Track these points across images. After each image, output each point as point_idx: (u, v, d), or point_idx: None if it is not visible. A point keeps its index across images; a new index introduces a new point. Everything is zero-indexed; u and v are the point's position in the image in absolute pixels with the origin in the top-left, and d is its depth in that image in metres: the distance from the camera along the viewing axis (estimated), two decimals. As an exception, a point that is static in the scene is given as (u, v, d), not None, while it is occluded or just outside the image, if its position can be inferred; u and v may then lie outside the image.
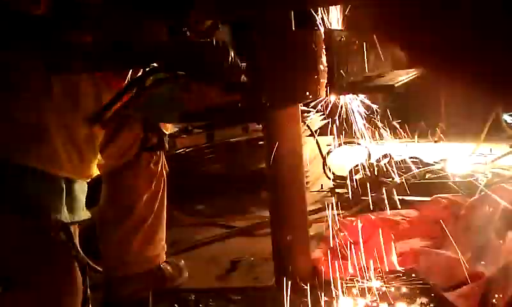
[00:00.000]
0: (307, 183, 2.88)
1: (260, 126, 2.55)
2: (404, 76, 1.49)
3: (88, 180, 1.31)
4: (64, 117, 1.18)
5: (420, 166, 2.79)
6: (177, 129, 3.31)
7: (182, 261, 1.95)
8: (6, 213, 1.15)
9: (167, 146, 1.85)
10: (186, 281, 1.90)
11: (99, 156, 1.37)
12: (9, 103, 1.15)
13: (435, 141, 3.83)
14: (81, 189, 1.27)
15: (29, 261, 1.17)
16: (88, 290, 1.25)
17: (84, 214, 1.27)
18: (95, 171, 1.33)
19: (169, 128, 1.84)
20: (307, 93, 1.25)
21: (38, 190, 1.17)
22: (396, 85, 1.27)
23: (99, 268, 1.83)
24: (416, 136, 4.03)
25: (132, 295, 1.77)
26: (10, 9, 0.93)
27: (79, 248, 1.23)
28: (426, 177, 2.69)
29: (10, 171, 1.14)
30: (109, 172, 1.72)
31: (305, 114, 3.35)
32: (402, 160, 2.92)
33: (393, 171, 2.73)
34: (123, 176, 1.74)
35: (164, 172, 1.83)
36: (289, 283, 1.61)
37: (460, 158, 3.13)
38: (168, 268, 1.87)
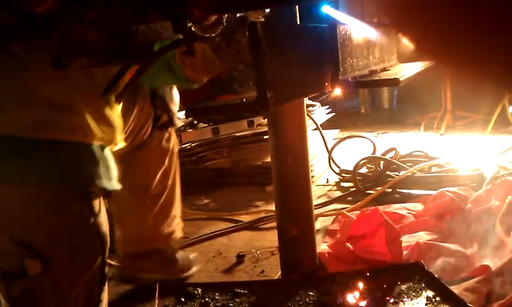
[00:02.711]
0: (312, 177, 2.88)
1: (265, 120, 2.55)
2: (409, 69, 1.48)
3: (116, 147, 1.34)
4: (83, 88, 1.21)
5: (426, 159, 2.79)
6: (183, 123, 3.32)
7: (193, 255, 1.99)
8: (41, 183, 1.16)
9: (177, 122, 1.88)
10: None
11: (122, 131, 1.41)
12: (30, 81, 1.17)
13: (441, 134, 3.83)
14: (112, 158, 1.30)
15: (62, 236, 1.19)
16: (106, 267, 1.27)
17: (117, 185, 1.31)
18: (121, 139, 1.36)
19: (176, 104, 1.85)
20: (312, 88, 1.25)
21: (75, 158, 1.20)
22: (401, 79, 1.26)
23: (112, 262, 1.87)
24: (422, 128, 4.03)
25: (145, 271, 1.81)
26: (14, 5, 0.93)
27: (100, 224, 1.24)
28: (432, 170, 2.68)
29: (42, 145, 1.16)
30: (123, 153, 1.75)
31: (310, 108, 3.36)
32: (407, 154, 2.92)
33: (399, 165, 2.73)
34: (136, 156, 1.76)
35: (176, 149, 1.86)
36: (295, 276, 1.61)
37: (466, 151, 3.13)
38: (180, 259, 1.90)
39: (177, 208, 1.89)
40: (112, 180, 1.26)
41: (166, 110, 1.79)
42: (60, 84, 1.17)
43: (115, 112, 1.32)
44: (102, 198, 1.29)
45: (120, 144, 1.39)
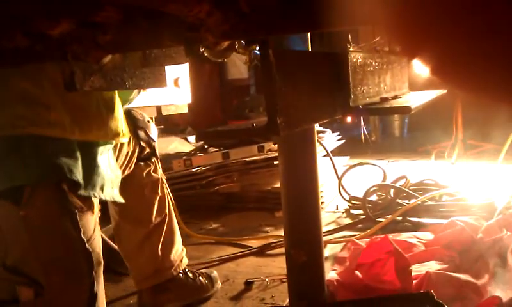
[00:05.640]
0: (322, 203, 2.87)
1: (276, 145, 2.55)
2: (420, 98, 1.48)
3: (110, 143, 1.35)
4: (60, 85, 1.23)
5: (437, 188, 2.77)
6: (193, 148, 3.33)
7: (215, 272, 2.00)
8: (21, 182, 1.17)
9: (157, 153, 1.91)
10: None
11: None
12: (7, 77, 1.20)
13: (452, 163, 3.81)
14: (103, 160, 1.31)
15: (52, 260, 1.21)
16: (95, 286, 1.26)
17: (108, 194, 1.32)
18: (111, 134, 1.37)
19: (155, 138, 1.87)
20: (323, 114, 1.25)
21: (52, 152, 1.20)
22: (412, 107, 1.26)
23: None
24: (433, 156, 4.01)
25: (166, 303, 1.83)
26: (29, 28, 0.95)
27: (87, 245, 1.24)
28: (442, 199, 2.66)
29: (20, 142, 1.18)
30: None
31: (321, 134, 3.37)
32: (418, 182, 2.90)
33: (409, 193, 2.72)
34: (130, 190, 1.76)
35: (164, 177, 1.89)
36: (303, 304, 1.59)
37: (477, 180, 3.10)
38: (201, 279, 1.92)
39: (179, 233, 1.92)
40: (95, 182, 1.27)
41: (148, 141, 1.83)
42: (36, 81, 1.20)
43: (99, 107, 1.33)
44: (95, 218, 1.30)
45: (111, 134, 1.40)
